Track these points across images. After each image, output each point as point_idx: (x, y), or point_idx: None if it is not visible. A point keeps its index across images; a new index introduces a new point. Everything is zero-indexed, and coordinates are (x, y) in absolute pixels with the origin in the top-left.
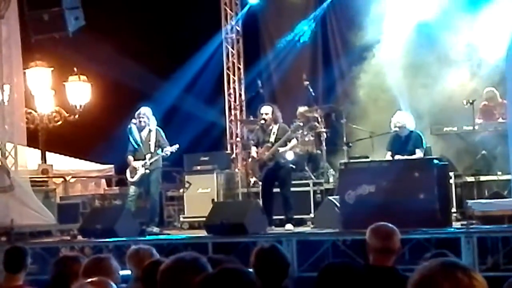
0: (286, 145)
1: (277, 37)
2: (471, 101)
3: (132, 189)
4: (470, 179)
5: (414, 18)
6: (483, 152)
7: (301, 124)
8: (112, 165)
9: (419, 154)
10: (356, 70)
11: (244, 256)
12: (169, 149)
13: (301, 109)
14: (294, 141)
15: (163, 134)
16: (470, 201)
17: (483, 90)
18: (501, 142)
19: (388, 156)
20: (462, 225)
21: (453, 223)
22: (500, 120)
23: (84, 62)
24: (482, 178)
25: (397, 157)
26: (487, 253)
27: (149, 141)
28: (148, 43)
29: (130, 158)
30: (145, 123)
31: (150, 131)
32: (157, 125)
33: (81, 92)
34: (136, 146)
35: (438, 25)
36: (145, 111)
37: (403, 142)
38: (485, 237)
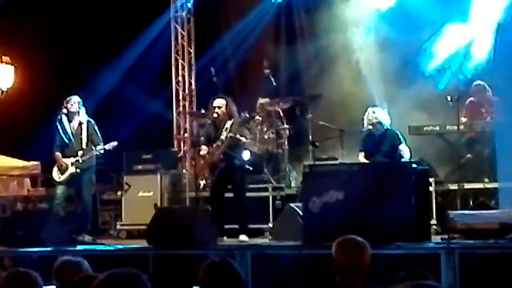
0: (237, 143)
1: (235, 18)
2: (456, 97)
3: (60, 190)
4: (453, 186)
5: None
6: (469, 155)
7: (260, 118)
8: (38, 162)
9: (404, 149)
10: (325, 59)
11: (191, 272)
12: (105, 147)
13: (262, 100)
14: (243, 139)
15: (96, 127)
16: (452, 212)
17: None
18: (489, 144)
19: (361, 157)
20: (442, 239)
21: (433, 237)
22: (489, 119)
23: (7, 41)
24: (467, 185)
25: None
26: (470, 272)
27: (80, 135)
28: (83, 21)
29: (58, 154)
30: (76, 112)
31: (81, 123)
32: (90, 117)
33: (2, 75)
34: (66, 141)
35: (419, 10)
36: (76, 100)
37: (377, 141)
38: (469, 254)
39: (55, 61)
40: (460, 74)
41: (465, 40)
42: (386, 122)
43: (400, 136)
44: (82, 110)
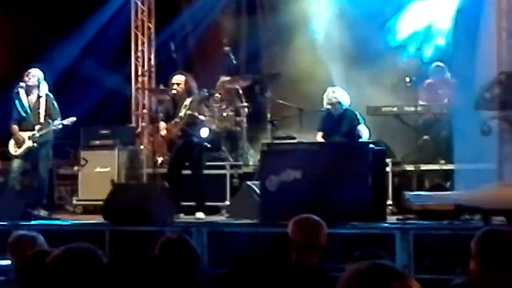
0: (196, 120)
1: None
2: (414, 78)
3: (16, 164)
4: (410, 167)
5: None
6: (425, 137)
7: (219, 95)
8: None
9: (363, 130)
10: (285, 37)
11: (147, 248)
12: (63, 122)
13: (223, 79)
14: (201, 117)
15: (55, 102)
16: (408, 193)
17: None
18: (446, 126)
19: (319, 137)
20: (397, 219)
21: (388, 217)
22: (446, 101)
23: None
24: (423, 167)
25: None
26: (425, 252)
27: (38, 109)
28: None
29: (15, 127)
30: (35, 86)
31: (39, 97)
32: (48, 91)
33: None
34: (23, 114)
35: None
36: (36, 73)
37: (336, 121)
38: (423, 235)
39: (12, 35)
40: (419, 55)
41: (426, 21)
42: (346, 102)
43: (359, 117)
44: (43, 84)
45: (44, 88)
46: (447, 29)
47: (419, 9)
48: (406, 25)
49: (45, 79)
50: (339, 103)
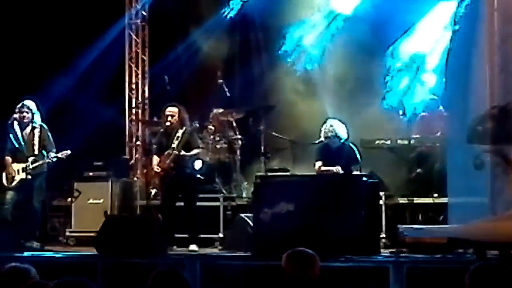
0: (189, 151)
1: (190, 27)
2: (408, 112)
3: (9, 196)
4: (403, 200)
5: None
6: (419, 170)
7: (212, 127)
8: None
9: (355, 172)
10: (279, 69)
11: (140, 281)
12: (58, 155)
13: (216, 111)
14: (196, 150)
15: (49, 133)
16: (401, 226)
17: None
18: (439, 159)
19: (318, 166)
20: (391, 253)
21: (382, 250)
22: (439, 134)
23: None
24: (416, 200)
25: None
26: (418, 286)
27: (32, 140)
28: (37, 25)
29: (8, 159)
30: (29, 118)
31: (34, 128)
32: (42, 122)
33: None
34: (16, 145)
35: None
36: (29, 105)
37: (334, 154)
38: (417, 268)
39: (7, 65)
40: (412, 90)
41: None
42: (343, 135)
43: (357, 155)
44: (37, 115)
45: (38, 119)
46: (438, 63)
47: (410, 43)
48: (400, 61)
49: (38, 110)
50: (337, 136)
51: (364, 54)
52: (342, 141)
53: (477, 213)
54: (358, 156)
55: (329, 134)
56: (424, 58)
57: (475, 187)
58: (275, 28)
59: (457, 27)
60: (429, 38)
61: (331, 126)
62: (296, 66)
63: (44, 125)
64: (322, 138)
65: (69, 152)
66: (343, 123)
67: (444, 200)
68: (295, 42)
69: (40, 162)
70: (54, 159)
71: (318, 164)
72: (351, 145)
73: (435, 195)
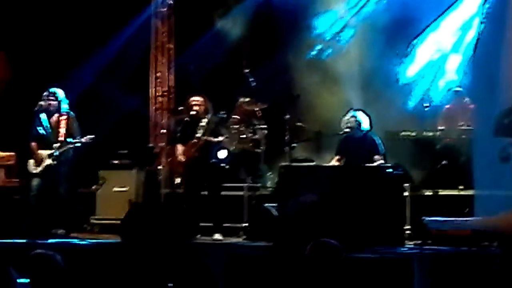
0: (212, 141)
1: (216, 15)
2: (433, 103)
3: (35, 182)
4: (428, 192)
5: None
6: (444, 162)
7: (237, 117)
8: (13, 153)
9: (379, 161)
10: (305, 59)
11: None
12: (82, 140)
13: (242, 100)
14: (220, 137)
15: (76, 121)
16: (426, 218)
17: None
18: (464, 151)
19: (334, 162)
20: (415, 244)
21: (406, 242)
22: (465, 126)
23: None
24: (441, 192)
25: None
26: (442, 278)
27: (59, 127)
28: (65, 14)
29: (34, 145)
30: (55, 106)
31: (61, 115)
32: (69, 110)
33: None
34: (43, 132)
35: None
36: (56, 92)
37: (356, 146)
38: (441, 260)
39: (34, 52)
40: (439, 81)
41: (444, 47)
42: (366, 125)
43: (381, 146)
44: (64, 103)
45: (65, 107)
46: (466, 55)
47: (437, 36)
48: (424, 52)
49: (66, 98)
50: (359, 125)
51: (390, 46)
52: (364, 132)
53: (502, 206)
54: (381, 147)
55: (350, 125)
56: (450, 50)
57: (502, 179)
58: (301, 18)
59: (485, 19)
60: (454, 30)
61: (352, 117)
62: (322, 56)
63: (71, 113)
64: (344, 129)
65: (92, 136)
66: (367, 114)
67: (469, 192)
68: (320, 32)
69: (65, 148)
70: (78, 144)
71: (335, 159)
72: (373, 136)
73: (461, 187)
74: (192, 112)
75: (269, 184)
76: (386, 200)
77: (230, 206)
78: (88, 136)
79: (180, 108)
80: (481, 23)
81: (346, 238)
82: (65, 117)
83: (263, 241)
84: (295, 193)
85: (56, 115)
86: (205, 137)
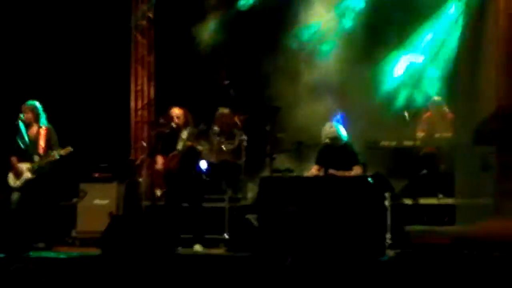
0: (194, 152)
1: (196, 26)
2: (413, 112)
3: (15, 196)
4: (408, 201)
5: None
6: (424, 171)
7: (218, 128)
8: None
9: (357, 170)
10: (285, 70)
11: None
12: (61, 152)
13: (222, 111)
14: (200, 147)
15: (54, 133)
16: (407, 227)
17: (425, 100)
18: (444, 160)
19: (314, 171)
20: (396, 253)
21: (387, 251)
22: (444, 134)
23: None
24: (422, 201)
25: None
26: (423, 286)
27: (38, 140)
28: (42, 25)
29: (14, 159)
30: (34, 119)
31: (39, 128)
32: (48, 123)
33: None
34: (22, 146)
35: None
36: (34, 105)
37: (335, 156)
38: (422, 269)
39: (12, 65)
40: (417, 91)
41: (423, 56)
42: (344, 135)
43: (359, 156)
44: (42, 115)
45: (44, 119)
46: (445, 62)
47: (416, 43)
48: (403, 60)
49: (44, 111)
50: (339, 136)
51: (369, 55)
52: (344, 141)
53: (483, 214)
54: (359, 157)
55: (332, 135)
56: (429, 58)
57: (482, 188)
58: (281, 28)
59: (464, 27)
60: (434, 38)
61: (331, 127)
62: (302, 66)
63: (50, 126)
64: (324, 140)
65: (71, 149)
66: (343, 124)
67: (449, 201)
68: (301, 43)
69: (45, 161)
70: (58, 157)
71: (315, 168)
72: (352, 146)
73: (440, 195)
74: (173, 124)
75: (249, 195)
76: (367, 209)
77: (211, 217)
78: (67, 149)
79: (161, 120)
80: (461, 32)
81: (327, 248)
82: (44, 130)
83: (244, 252)
84: (275, 204)
85: (35, 128)
86: (185, 148)
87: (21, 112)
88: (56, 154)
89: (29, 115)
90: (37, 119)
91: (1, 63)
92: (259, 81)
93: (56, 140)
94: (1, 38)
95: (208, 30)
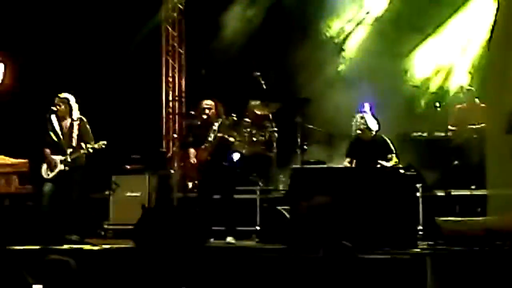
0: (226, 144)
1: (226, 19)
2: (443, 103)
3: (47, 188)
4: (440, 193)
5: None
6: (456, 162)
7: (249, 120)
8: (27, 160)
9: (393, 160)
10: (315, 62)
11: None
12: (95, 146)
13: (253, 103)
14: (231, 139)
15: (88, 126)
16: (439, 218)
17: (456, 91)
18: (476, 151)
19: (346, 163)
20: (428, 245)
21: (419, 242)
22: (476, 126)
23: None
24: (454, 192)
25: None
26: (456, 278)
27: (71, 133)
28: (73, 19)
29: (47, 151)
30: (67, 112)
31: (73, 121)
32: (81, 115)
33: None
34: (55, 138)
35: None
36: (67, 98)
37: (366, 147)
38: (454, 260)
39: (45, 59)
40: (448, 82)
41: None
42: (374, 127)
43: (391, 146)
44: (75, 108)
45: (77, 112)
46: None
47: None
48: (435, 51)
49: (77, 103)
50: (368, 128)
51: (401, 47)
52: (374, 133)
53: None
54: (392, 147)
55: (362, 127)
56: (461, 49)
57: None
58: (312, 20)
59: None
60: (466, 30)
61: (361, 118)
62: (332, 57)
63: (83, 118)
64: (354, 132)
65: (105, 142)
66: (374, 116)
67: (481, 192)
68: (331, 34)
69: (78, 153)
70: (91, 150)
71: (346, 161)
72: (383, 136)
73: (473, 187)
74: (204, 116)
75: (281, 187)
76: (399, 201)
77: (243, 209)
78: (101, 142)
79: (192, 112)
80: (493, 21)
81: (359, 240)
82: (77, 122)
83: (276, 243)
84: (307, 195)
85: (68, 121)
86: (217, 140)
87: (53, 104)
88: (89, 147)
89: (62, 108)
90: (70, 111)
91: (35, 57)
92: (289, 73)
93: (89, 133)
94: (35, 32)
95: (238, 21)
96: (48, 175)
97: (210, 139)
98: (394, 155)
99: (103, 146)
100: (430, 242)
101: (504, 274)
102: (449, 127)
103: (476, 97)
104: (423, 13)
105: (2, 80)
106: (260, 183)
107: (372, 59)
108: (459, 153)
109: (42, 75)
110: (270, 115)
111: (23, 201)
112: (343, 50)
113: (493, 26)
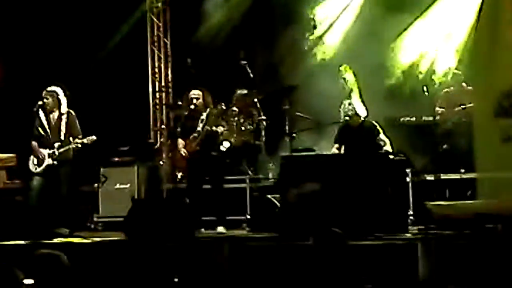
0: (214, 134)
1: (211, 7)
2: (431, 87)
3: (36, 182)
4: (430, 177)
5: None
6: (445, 146)
7: (236, 109)
8: (14, 154)
9: (384, 140)
10: (302, 49)
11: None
12: (84, 140)
13: (239, 92)
14: (219, 129)
15: (76, 119)
16: (429, 203)
17: (443, 75)
18: (465, 135)
19: (334, 149)
20: (419, 230)
21: (409, 227)
22: (464, 109)
23: None
24: (443, 176)
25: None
26: (447, 262)
27: (59, 127)
28: (59, 11)
29: (35, 144)
30: (55, 105)
31: (61, 114)
32: (69, 108)
33: None
34: (42, 132)
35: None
36: (55, 91)
37: (355, 133)
38: (445, 244)
39: (31, 52)
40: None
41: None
42: (362, 113)
43: (378, 127)
44: (63, 101)
45: (65, 105)
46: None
47: (435, 16)
48: (422, 35)
49: (65, 96)
50: (356, 114)
51: (387, 31)
52: (362, 119)
53: (505, 188)
54: (381, 132)
55: (349, 113)
56: (448, 32)
57: (503, 161)
58: (298, 7)
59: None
60: (452, 13)
61: (349, 104)
62: (319, 45)
63: (72, 112)
64: (343, 118)
65: (94, 137)
66: (362, 101)
67: (471, 175)
68: (318, 21)
69: (66, 148)
70: (80, 145)
71: (335, 147)
72: (372, 122)
73: (462, 170)
74: (192, 106)
75: (270, 175)
76: (389, 186)
77: (233, 198)
78: (90, 137)
79: (180, 102)
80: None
81: (349, 226)
82: (65, 116)
83: (267, 232)
84: (297, 183)
85: (56, 114)
86: (205, 130)
87: (41, 98)
88: (78, 142)
89: (49, 101)
90: (58, 105)
91: (21, 50)
92: (277, 61)
93: (77, 127)
94: (20, 25)
95: (223, 9)
96: (36, 169)
97: (198, 129)
98: (386, 138)
99: (93, 141)
100: (421, 227)
101: (494, 257)
102: (437, 109)
103: (464, 81)
104: None
105: None
106: (249, 172)
107: (359, 44)
108: (448, 137)
109: (28, 68)
110: (258, 103)
111: (12, 196)
112: (329, 35)
113: (480, 8)
